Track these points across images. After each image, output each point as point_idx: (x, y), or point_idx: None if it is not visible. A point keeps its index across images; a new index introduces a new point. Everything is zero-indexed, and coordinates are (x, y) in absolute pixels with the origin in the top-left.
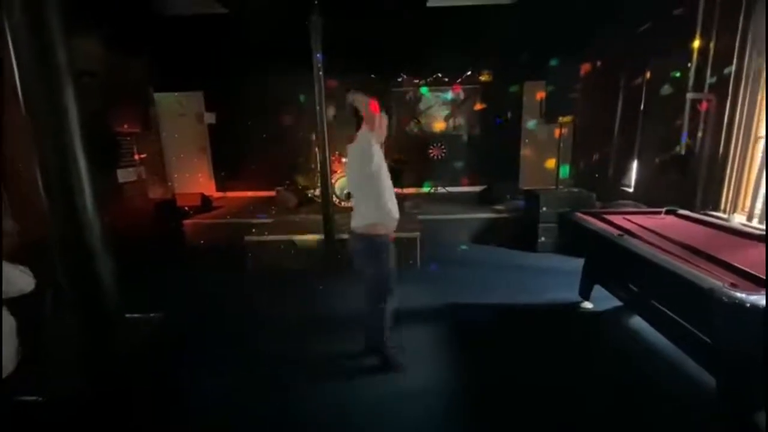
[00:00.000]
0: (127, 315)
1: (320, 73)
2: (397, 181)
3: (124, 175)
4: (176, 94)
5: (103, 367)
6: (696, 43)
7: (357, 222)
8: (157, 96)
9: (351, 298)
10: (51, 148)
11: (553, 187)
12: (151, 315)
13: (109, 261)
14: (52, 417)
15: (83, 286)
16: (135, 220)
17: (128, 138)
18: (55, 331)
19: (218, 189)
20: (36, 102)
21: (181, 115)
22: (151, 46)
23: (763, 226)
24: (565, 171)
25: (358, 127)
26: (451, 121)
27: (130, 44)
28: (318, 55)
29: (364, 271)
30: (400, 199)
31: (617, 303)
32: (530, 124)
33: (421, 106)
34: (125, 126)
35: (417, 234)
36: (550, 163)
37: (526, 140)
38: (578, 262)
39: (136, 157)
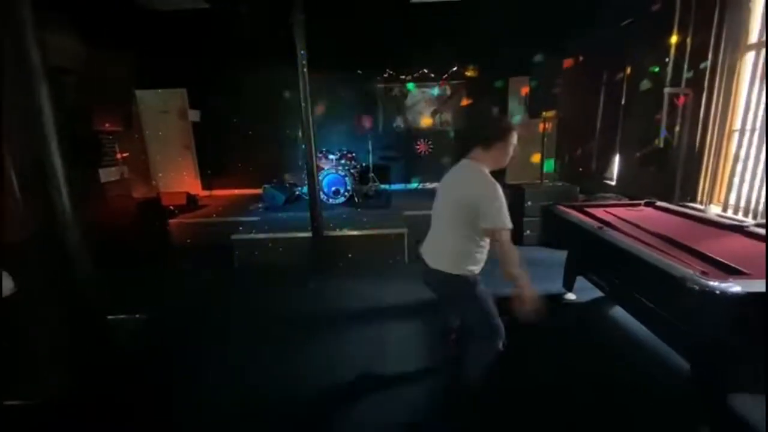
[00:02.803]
0: (111, 316)
1: (304, 69)
2: (384, 178)
3: (106, 175)
4: (159, 91)
5: (85, 369)
6: (673, 39)
7: (439, 260)
8: (139, 93)
9: (338, 295)
10: (25, 147)
11: (538, 181)
12: (136, 316)
13: (89, 262)
14: (37, 420)
15: (62, 288)
16: (118, 220)
17: (110, 136)
18: (37, 334)
19: (204, 187)
20: (8, 101)
21: (164, 112)
22: (133, 42)
23: (738, 216)
24: (549, 165)
25: (468, 146)
26: (437, 117)
27: (111, 40)
28: (302, 51)
29: (458, 312)
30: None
31: (599, 294)
32: (515, 118)
33: (408, 101)
34: (106, 124)
35: (404, 230)
36: (535, 157)
37: None
38: (562, 255)
39: (119, 156)
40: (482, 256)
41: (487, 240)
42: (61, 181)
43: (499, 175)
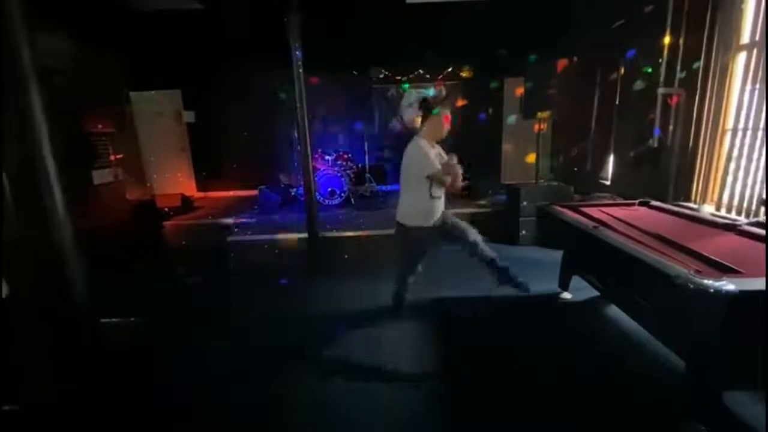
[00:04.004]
0: (104, 320)
1: (300, 70)
2: (381, 179)
3: (99, 176)
4: (153, 92)
5: (75, 372)
6: (666, 40)
7: (399, 213)
8: (133, 95)
9: (334, 296)
10: (15, 148)
11: (534, 181)
12: (131, 319)
13: (81, 265)
14: (28, 425)
15: (54, 291)
16: (113, 222)
17: (103, 138)
18: (27, 338)
19: (199, 189)
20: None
21: (159, 114)
22: (126, 43)
23: (731, 215)
24: (545, 165)
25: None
26: None
27: (104, 41)
28: (297, 52)
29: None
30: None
31: (595, 293)
32: (510, 119)
33: (403, 102)
34: (99, 126)
35: None
36: (531, 157)
37: (507, 135)
38: (558, 254)
39: (112, 157)
40: (425, 208)
41: (426, 195)
42: (53, 183)
43: (495, 175)
